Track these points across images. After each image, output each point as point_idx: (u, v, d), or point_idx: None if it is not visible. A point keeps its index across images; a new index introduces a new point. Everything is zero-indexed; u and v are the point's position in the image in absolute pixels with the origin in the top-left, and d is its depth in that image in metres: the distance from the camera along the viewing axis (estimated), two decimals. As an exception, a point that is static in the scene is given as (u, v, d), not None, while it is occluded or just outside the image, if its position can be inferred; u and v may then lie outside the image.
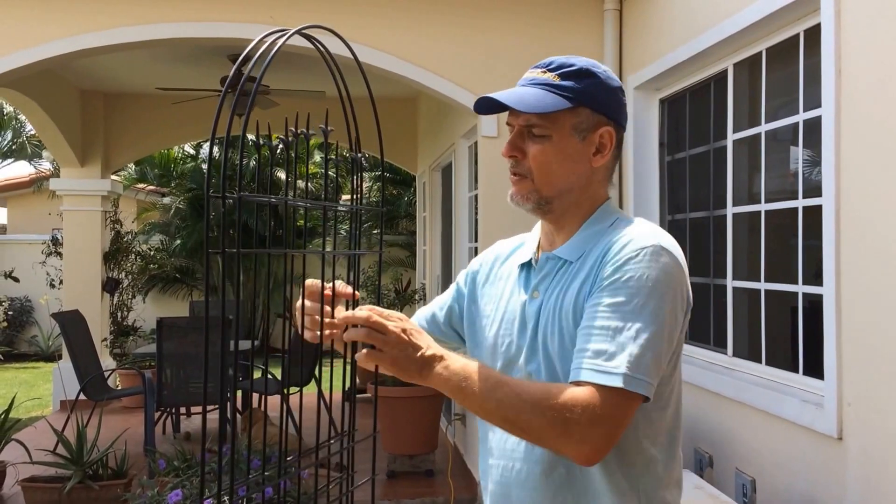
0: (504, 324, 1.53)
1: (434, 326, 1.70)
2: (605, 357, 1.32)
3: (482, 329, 1.60)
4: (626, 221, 1.51)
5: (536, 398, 1.30)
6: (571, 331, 1.40)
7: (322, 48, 1.04)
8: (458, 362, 1.32)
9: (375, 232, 13.30)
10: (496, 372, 1.39)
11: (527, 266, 1.56)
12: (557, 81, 1.46)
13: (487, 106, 1.49)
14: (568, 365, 1.38)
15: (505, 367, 1.50)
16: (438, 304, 1.74)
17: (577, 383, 1.33)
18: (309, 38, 1.01)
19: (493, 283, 1.62)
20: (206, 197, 1.03)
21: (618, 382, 1.31)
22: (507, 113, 1.51)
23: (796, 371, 3.50)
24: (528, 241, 1.63)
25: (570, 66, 1.48)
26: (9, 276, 5.12)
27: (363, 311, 1.23)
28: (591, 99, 1.47)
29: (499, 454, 1.53)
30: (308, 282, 1.39)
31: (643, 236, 1.42)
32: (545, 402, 1.29)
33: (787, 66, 3.68)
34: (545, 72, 1.49)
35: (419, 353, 1.28)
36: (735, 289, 4.06)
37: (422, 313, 1.76)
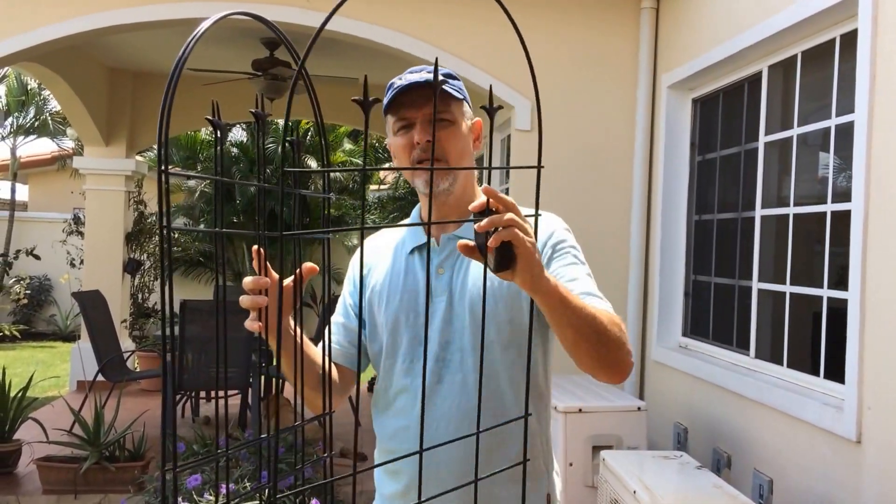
0: (404, 301, 1.67)
1: (349, 334, 1.78)
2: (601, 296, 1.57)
3: (377, 313, 1.72)
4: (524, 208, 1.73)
5: (608, 315, 1.47)
6: (498, 296, 1.61)
7: (274, 29, 1.03)
8: None
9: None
10: None
11: (422, 248, 1.71)
12: (441, 79, 1.61)
13: (393, 101, 1.61)
14: (478, 323, 1.56)
15: (412, 339, 1.65)
16: (341, 315, 1.82)
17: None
18: (257, 17, 1.00)
19: (379, 270, 1.75)
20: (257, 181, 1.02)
21: None
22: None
23: (817, 374, 3.51)
24: (405, 231, 1.79)
25: (442, 69, 1.63)
26: (30, 253, 5.16)
27: (508, 215, 1.23)
28: (465, 96, 1.68)
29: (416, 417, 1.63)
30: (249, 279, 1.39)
31: (549, 216, 1.70)
32: (612, 318, 1.47)
33: (821, 71, 3.66)
34: (427, 73, 1.64)
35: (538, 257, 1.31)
36: (760, 291, 4.05)
37: (335, 330, 1.82)
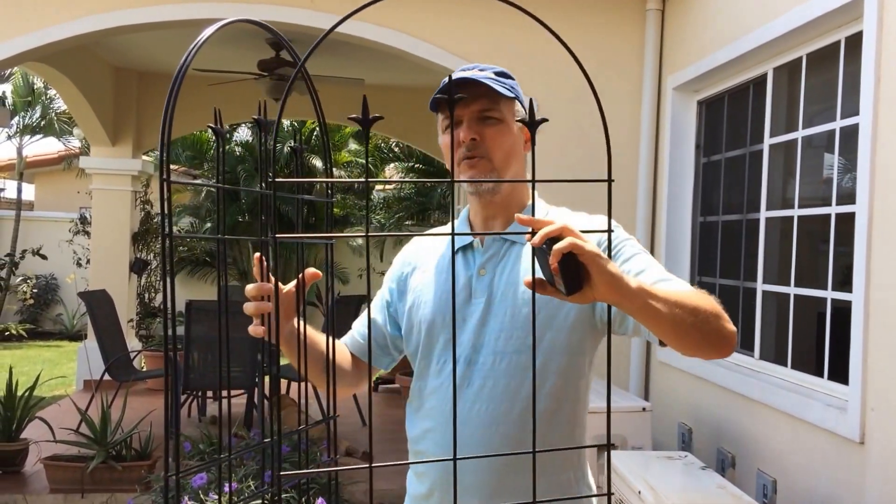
0: (443, 302, 1.64)
1: (376, 330, 1.79)
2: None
3: (416, 311, 1.70)
4: (563, 209, 1.71)
5: (694, 292, 1.41)
6: (526, 298, 1.55)
7: (274, 32, 1.05)
8: None
9: (408, 223, 13.33)
10: None
11: (466, 249, 1.68)
12: (495, 77, 1.62)
13: (437, 101, 1.57)
14: (520, 323, 1.54)
15: (447, 340, 1.62)
16: (374, 310, 1.82)
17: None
18: (257, 23, 1.02)
19: (423, 271, 1.73)
20: (268, 181, 1.04)
21: None
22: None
23: (821, 376, 3.53)
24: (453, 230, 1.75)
25: (495, 68, 1.67)
26: (36, 253, 5.18)
27: (558, 224, 1.16)
28: (517, 94, 1.64)
29: (445, 419, 1.59)
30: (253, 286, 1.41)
31: (602, 219, 1.64)
32: (700, 291, 1.42)
33: (826, 73, 3.67)
34: (478, 70, 1.64)
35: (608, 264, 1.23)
36: (765, 292, 4.06)
37: (358, 324, 1.84)
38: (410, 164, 13.58)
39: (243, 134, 13.87)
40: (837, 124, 3.50)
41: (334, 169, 13.50)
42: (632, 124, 5.25)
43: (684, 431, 4.57)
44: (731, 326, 1.41)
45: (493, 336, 1.58)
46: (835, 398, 3.35)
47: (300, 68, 0.91)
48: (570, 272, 1.11)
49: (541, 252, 1.12)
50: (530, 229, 1.21)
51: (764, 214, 4.07)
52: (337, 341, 1.80)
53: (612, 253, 1.54)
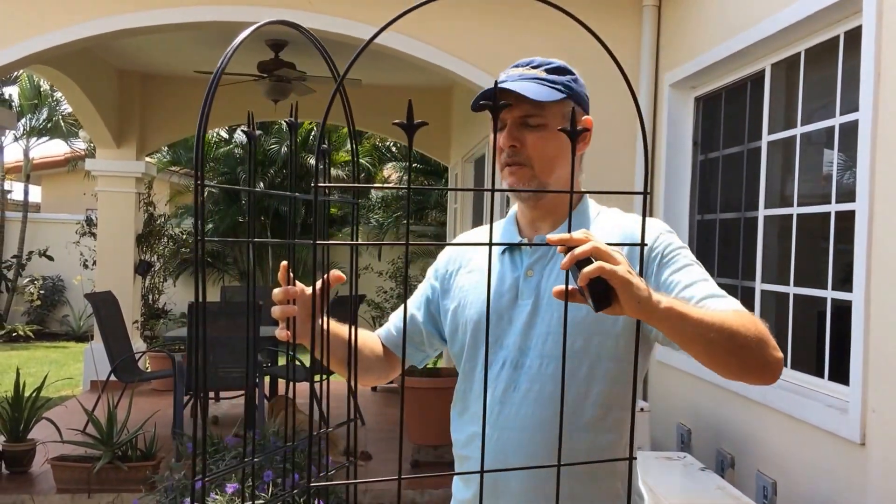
0: (492, 301, 1.59)
1: (413, 326, 1.77)
2: (725, 294, 1.48)
3: (462, 312, 1.67)
4: (614, 210, 1.67)
5: (738, 315, 1.36)
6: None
7: (310, 36, 1.06)
8: None
9: (405, 222, 13.31)
10: None
11: (514, 249, 1.64)
12: (545, 76, 1.57)
13: (480, 103, 1.51)
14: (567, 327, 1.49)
15: (493, 342, 1.58)
16: (414, 305, 1.80)
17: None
18: (294, 25, 1.03)
19: (469, 271, 1.70)
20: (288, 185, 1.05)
21: None
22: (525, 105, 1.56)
23: (822, 376, 3.51)
24: (500, 231, 1.73)
25: (551, 63, 1.61)
26: (43, 254, 5.20)
27: (580, 233, 1.17)
28: (574, 92, 1.58)
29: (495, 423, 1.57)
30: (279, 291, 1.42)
31: (655, 221, 1.61)
32: (742, 315, 1.36)
33: (825, 68, 3.66)
34: (531, 68, 1.59)
35: (638, 282, 1.21)
36: (764, 291, 4.05)
37: (395, 318, 1.81)
38: (407, 164, 13.62)
39: (243, 136, 13.91)
40: (837, 120, 3.49)
41: (332, 169, 13.54)
42: (628, 121, 5.25)
43: (683, 432, 4.57)
44: (776, 354, 1.36)
45: (541, 339, 1.55)
46: (835, 399, 3.33)
47: (341, 81, 0.92)
48: (598, 292, 1.12)
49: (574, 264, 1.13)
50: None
51: (763, 212, 4.06)
52: (370, 333, 1.79)
53: (665, 260, 1.51)
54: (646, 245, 1.32)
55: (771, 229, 4.05)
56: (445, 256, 1.79)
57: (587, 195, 1.68)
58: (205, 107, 0.83)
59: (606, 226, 1.61)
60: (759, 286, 4.07)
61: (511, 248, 1.64)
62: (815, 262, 3.72)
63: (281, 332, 1.35)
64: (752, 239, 4.15)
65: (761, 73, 4.15)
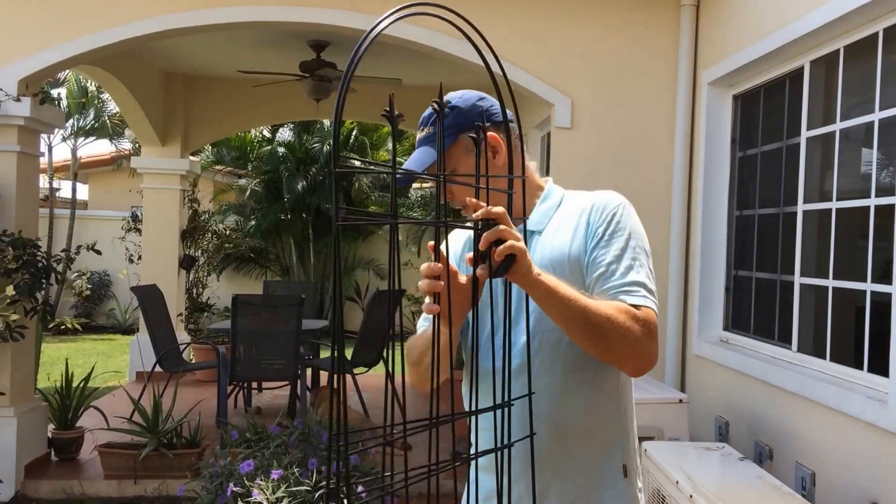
0: (483, 296, 1.68)
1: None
2: (643, 287, 1.59)
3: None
4: (580, 192, 1.79)
5: (615, 307, 1.53)
6: (566, 277, 1.60)
7: (471, 26, 1.13)
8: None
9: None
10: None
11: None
12: (430, 132, 1.68)
13: (404, 180, 1.71)
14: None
15: (495, 329, 1.65)
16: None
17: (635, 306, 1.55)
18: (450, 12, 1.11)
19: (461, 269, 1.78)
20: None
21: (655, 306, 1.59)
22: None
23: (861, 368, 3.52)
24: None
25: (431, 114, 1.69)
26: (91, 248, 5.34)
27: (499, 208, 1.34)
28: (459, 126, 1.67)
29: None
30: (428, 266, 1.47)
31: (613, 196, 1.73)
32: (624, 313, 1.52)
33: (864, 65, 3.66)
34: (422, 130, 1.70)
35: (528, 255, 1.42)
36: (802, 285, 4.06)
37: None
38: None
39: (285, 134, 14.12)
40: (876, 116, 3.49)
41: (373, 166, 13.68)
42: (666, 119, 5.28)
43: (721, 424, 4.59)
44: (639, 350, 1.53)
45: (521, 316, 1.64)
46: (875, 391, 3.34)
47: (347, 79, 0.99)
48: (506, 262, 1.35)
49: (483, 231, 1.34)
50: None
51: (801, 207, 4.07)
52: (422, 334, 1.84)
53: (603, 238, 1.64)
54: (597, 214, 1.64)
55: (810, 224, 4.05)
56: (449, 250, 1.85)
57: (551, 185, 1.82)
58: (340, 93, 0.89)
59: (569, 209, 1.74)
60: (797, 280, 4.08)
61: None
62: (854, 256, 3.72)
63: (431, 307, 1.39)
64: (791, 234, 4.16)
65: (800, 71, 4.15)
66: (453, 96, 1.72)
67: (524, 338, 1.66)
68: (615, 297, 1.58)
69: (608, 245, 1.64)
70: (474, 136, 1.22)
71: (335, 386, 1.13)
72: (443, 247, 1.32)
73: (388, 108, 1.03)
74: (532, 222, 1.74)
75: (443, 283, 1.40)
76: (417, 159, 1.65)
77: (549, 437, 1.65)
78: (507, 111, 1.61)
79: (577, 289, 1.53)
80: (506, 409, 1.21)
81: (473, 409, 1.26)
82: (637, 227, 1.69)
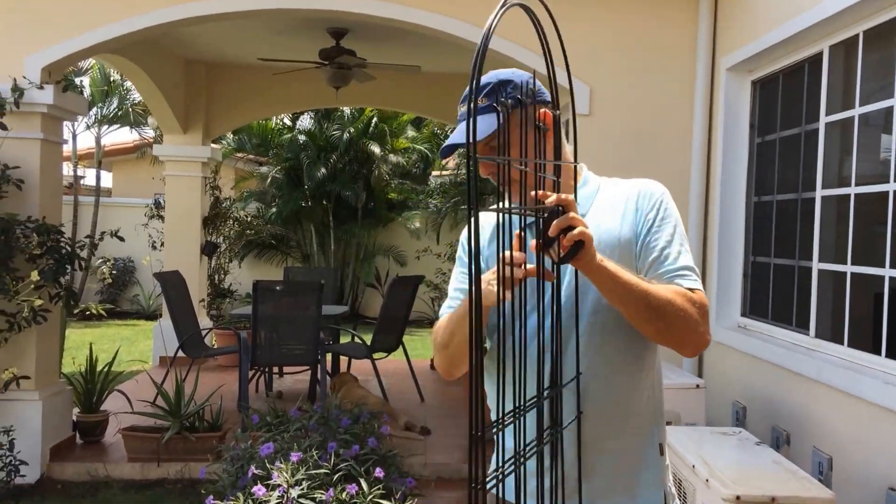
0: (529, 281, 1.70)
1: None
2: (693, 271, 1.67)
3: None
4: (614, 179, 1.84)
5: (673, 291, 1.59)
6: (616, 261, 1.61)
7: (534, 18, 1.16)
8: None
9: (463, 207, 13.49)
10: None
11: (530, 226, 1.70)
12: (485, 103, 1.68)
13: (449, 149, 1.66)
14: (587, 286, 1.64)
15: (530, 313, 1.65)
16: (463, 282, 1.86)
17: (690, 290, 1.62)
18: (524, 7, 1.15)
19: (491, 249, 1.81)
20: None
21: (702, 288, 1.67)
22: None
23: (879, 353, 3.51)
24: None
25: (487, 85, 1.69)
26: (114, 235, 5.41)
27: (570, 215, 1.39)
28: (514, 101, 1.66)
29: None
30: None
31: (656, 184, 1.79)
32: (681, 296, 1.59)
33: (884, 49, 3.64)
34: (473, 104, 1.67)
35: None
36: (820, 271, 4.05)
37: (456, 297, 1.86)
38: (461, 151, 13.71)
39: (306, 122, 14.18)
40: (895, 101, 3.48)
41: (392, 155, 13.72)
42: (685, 105, 5.27)
43: (738, 409, 4.60)
44: (694, 333, 1.60)
45: (570, 299, 1.67)
46: (893, 376, 3.34)
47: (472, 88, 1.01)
48: (573, 248, 1.41)
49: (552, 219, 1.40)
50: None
51: (820, 193, 4.06)
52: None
53: (655, 224, 1.70)
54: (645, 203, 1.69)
55: (828, 210, 4.04)
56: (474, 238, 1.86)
57: (587, 171, 1.85)
58: (474, 72, 0.91)
59: (610, 194, 1.78)
60: (815, 265, 4.07)
61: (530, 223, 1.70)
62: (873, 242, 3.71)
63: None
64: (809, 219, 4.15)
65: (819, 56, 4.13)
66: (506, 73, 1.72)
67: (573, 321, 1.68)
68: (670, 280, 1.64)
69: (659, 231, 1.70)
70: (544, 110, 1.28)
71: (473, 382, 1.17)
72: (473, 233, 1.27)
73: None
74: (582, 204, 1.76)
75: (523, 270, 1.42)
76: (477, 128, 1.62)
77: (595, 418, 1.69)
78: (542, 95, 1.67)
79: (635, 273, 1.58)
80: (557, 393, 1.24)
81: (501, 397, 1.28)
82: (678, 214, 1.76)
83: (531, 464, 1.60)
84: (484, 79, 1.69)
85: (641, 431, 1.75)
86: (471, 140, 1.19)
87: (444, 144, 1.66)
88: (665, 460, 1.79)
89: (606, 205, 1.77)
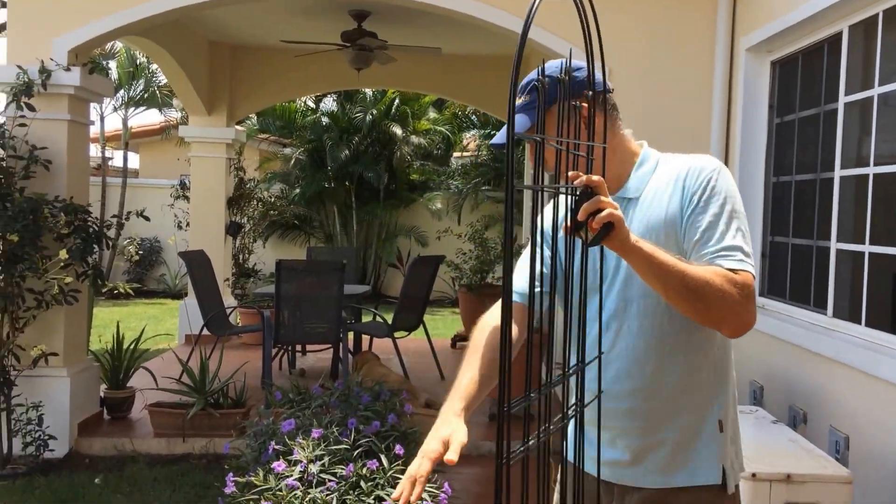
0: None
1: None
2: (740, 251, 1.65)
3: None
4: (674, 155, 1.85)
5: (713, 272, 1.59)
6: (662, 242, 1.66)
7: (579, 4, 1.20)
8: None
9: (484, 188, 13.58)
10: None
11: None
12: (527, 100, 1.73)
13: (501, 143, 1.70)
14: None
15: (584, 295, 1.68)
16: (527, 274, 1.88)
17: (732, 270, 1.61)
18: None
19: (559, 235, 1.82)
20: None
21: (755, 270, 1.66)
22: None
23: (896, 333, 3.51)
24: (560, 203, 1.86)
25: (529, 82, 1.74)
26: (140, 214, 5.51)
27: (597, 177, 1.39)
28: (554, 96, 1.68)
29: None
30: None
31: (708, 160, 1.78)
32: (721, 276, 1.58)
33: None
34: (520, 97, 1.75)
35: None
36: (839, 251, 4.05)
37: (520, 281, 1.88)
38: (487, 131, 13.77)
39: (329, 104, 14.24)
40: (915, 81, 3.47)
41: (413, 136, 13.77)
42: (704, 85, 5.26)
43: (756, 389, 4.62)
44: (735, 313, 1.59)
45: (624, 284, 1.74)
46: (910, 356, 3.35)
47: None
48: (603, 230, 1.41)
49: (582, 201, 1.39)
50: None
51: (838, 173, 4.05)
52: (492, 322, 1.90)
53: (700, 203, 1.69)
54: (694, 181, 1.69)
55: (847, 190, 4.04)
56: (542, 220, 1.86)
57: (646, 149, 1.87)
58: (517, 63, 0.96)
59: (664, 172, 1.79)
60: (833, 245, 4.07)
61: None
62: (891, 222, 3.70)
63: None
64: (828, 199, 4.15)
65: (839, 35, 4.11)
66: (552, 66, 1.73)
67: (615, 303, 1.75)
68: (712, 262, 1.64)
69: (704, 211, 1.69)
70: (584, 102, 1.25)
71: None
72: (539, 219, 1.31)
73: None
74: (629, 189, 1.80)
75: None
76: (518, 123, 1.69)
77: (651, 396, 1.74)
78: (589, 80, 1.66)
79: (674, 254, 1.58)
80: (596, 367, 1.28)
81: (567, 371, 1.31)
82: (732, 190, 1.73)
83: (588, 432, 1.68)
84: (532, 74, 1.69)
85: (700, 409, 1.77)
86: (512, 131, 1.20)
87: (511, 136, 1.64)
88: (725, 436, 1.79)
89: (661, 183, 1.78)
